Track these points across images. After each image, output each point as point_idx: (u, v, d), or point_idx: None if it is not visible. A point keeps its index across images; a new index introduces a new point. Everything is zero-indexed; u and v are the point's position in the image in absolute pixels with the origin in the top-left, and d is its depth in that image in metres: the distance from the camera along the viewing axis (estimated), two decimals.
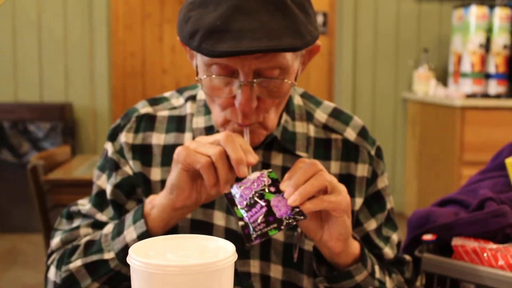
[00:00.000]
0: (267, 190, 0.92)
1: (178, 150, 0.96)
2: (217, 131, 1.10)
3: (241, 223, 0.89)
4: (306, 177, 0.92)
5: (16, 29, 4.43)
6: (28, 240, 4.10)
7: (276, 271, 1.11)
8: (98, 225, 1.15)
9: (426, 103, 4.50)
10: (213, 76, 0.99)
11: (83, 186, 2.51)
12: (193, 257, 0.72)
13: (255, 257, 1.11)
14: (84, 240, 1.11)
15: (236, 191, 0.92)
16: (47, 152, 2.82)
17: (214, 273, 0.69)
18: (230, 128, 1.03)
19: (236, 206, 0.90)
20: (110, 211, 1.16)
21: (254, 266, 1.11)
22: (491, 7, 4.24)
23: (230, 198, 0.92)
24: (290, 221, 0.89)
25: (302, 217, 0.90)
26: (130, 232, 1.04)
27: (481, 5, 4.24)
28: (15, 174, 4.19)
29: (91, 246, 1.08)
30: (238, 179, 0.94)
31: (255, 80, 0.97)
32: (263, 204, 0.90)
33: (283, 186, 0.93)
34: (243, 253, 1.09)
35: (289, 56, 0.99)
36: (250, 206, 0.90)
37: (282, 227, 0.88)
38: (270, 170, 0.95)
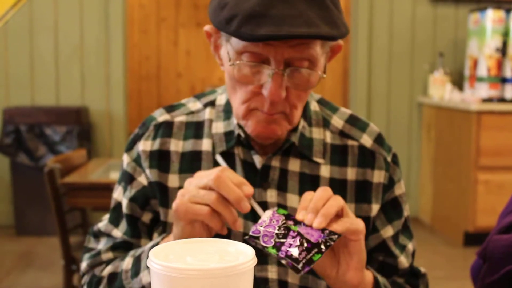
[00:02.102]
0: (288, 224, 0.91)
1: (176, 206, 0.95)
2: (237, 136, 1.11)
3: (282, 260, 0.88)
4: (323, 201, 0.93)
5: (33, 33, 4.47)
6: (44, 242, 4.13)
7: (293, 277, 1.11)
8: (117, 246, 1.18)
9: (442, 107, 4.48)
10: (245, 61, 1.00)
11: (99, 190, 2.53)
12: (213, 261, 0.72)
13: (272, 262, 1.11)
14: (106, 272, 1.15)
15: (258, 232, 0.90)
16: (63, 155, 2.84)
17: (234, 277, 0.69)
18: (253, 118, 1.04)
19: (265, 247, 0.89)
20: (124, 225, 1.17)
21: (272, 272, 1.11)
22: (508, 11, 4.22)
23: (255, 237, 0.90)
24: (327, 242, 0.89)
25: (336, 236, 0.90)
26: (145, 275, 1.06)
27: (498, 9, 4.21)
28: (32, 177, 4.22)
29: (114, 281, 1.13)
30: (250, 215, 0.94)
31: (286, 69, 0.99)
32: (294, 234, 0.89)
33: (300, 215, 0.92)
34: (260, 259, 1.09)
35: (318, 49, 1.01)
36: (280, 241, 0.89)
37: (323, 250, 0.88)
38: (275, 208, 0.95)
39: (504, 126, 4.04)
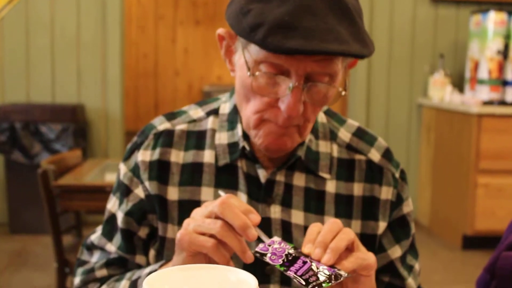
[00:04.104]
0: (298, 252, 0.86)
1: (180, 236, 0.89)
2: (241, 148, 1.06)
3: (294, 279, 0.83)
4: (332, 235, 0.87)
5: (29, 30, 4.42)
6: (38, 241, 4.08)
7: None
8: (111, 263, 1.13)
9: (442, 109, 4.44)
10: (264, 71, 0.94)
11: (93, 192, 2.48)
12: None
13: (275, 282, 1.06)
14: None
15: (266, 249, 0.86)
16: (58, 156, 2.79)
17: None
18: (265, 129, 0.99)
19: (273, 264, 0.84)
20: (118, 239, 1.12)
21: None
22: (510, 13, 4.18)
23: (262, 254, 0.85)
24: (338, 278, 0.84)
25: (346, 274, 0.84)
26: None
27: (500, 11, 4.17)
28: (26, 175, 4.17)
29: None
30: (260, 240, 0.89)
31: (306, 84, 0.94)
32: (305, 260, 0.84)
33: (306, 249, 0.86)
34: (263, 278, 1.05)
35: (340, 64, 0.96)
36: (290, 262, 0.84)
37: (333, 282, 0.82)
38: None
39: (505, 129, 4.01)
